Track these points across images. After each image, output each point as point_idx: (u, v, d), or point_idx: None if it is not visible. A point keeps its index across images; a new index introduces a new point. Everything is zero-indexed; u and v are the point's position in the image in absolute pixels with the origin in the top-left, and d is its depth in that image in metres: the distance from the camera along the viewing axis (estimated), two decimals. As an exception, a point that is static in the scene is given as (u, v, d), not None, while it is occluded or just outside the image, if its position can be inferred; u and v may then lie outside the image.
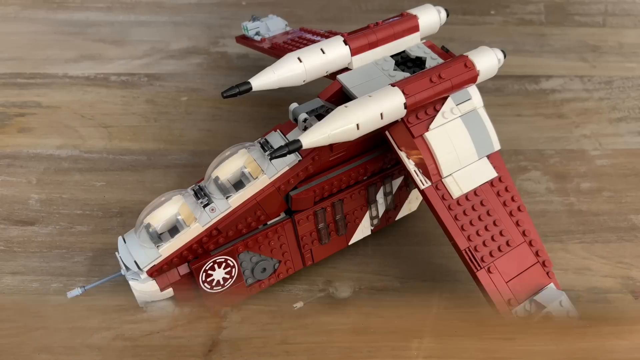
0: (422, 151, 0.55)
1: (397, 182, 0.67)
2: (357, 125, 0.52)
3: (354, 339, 0.73)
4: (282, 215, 0.63)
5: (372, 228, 0.71)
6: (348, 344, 0.73)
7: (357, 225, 0.68)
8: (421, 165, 0.55)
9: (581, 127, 0.88)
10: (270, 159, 0.52)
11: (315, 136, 0.51)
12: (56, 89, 0.92)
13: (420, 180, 0.56)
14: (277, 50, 0.75)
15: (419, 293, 0.80)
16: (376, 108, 0.52)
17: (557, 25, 1.05)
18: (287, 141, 0.57)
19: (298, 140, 0.51)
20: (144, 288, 0.58)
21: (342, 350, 0.72)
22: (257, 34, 0.81)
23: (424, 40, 0.64)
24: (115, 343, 0.73)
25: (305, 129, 0.56)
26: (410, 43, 0.62)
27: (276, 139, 0.58)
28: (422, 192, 0.57)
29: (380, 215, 0.70)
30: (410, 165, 0.57)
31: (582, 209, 0.81)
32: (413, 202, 0.72)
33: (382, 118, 0.53)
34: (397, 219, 0.73)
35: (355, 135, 0.53)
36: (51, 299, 0.75)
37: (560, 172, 0.85)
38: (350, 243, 0.71)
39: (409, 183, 0.69)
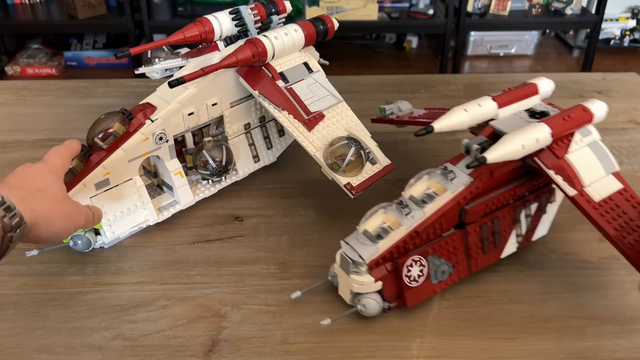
0: (567, 168, 0.74)
1: (534, 207, 0.82)
2: (523, 145, 0.71)
3: (354, 339, 0.73)
4: (452, 230, 0.77)
5: (517, 245, 0.83)
6: (348, 344, 0.73)
7: (507, 240, 0.81)
8: (567, 179, 0.74)
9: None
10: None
11: (495, 153, 0.70)
12: (80, 147, 1.13)
13: (568, 189, 0.74)
14: (413, 121, 0.99)
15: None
16: (533, 135, 0.72)
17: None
18: (452, 172, 0.75)
19: (484, 157, 0.70)
20: (362, 279, 0.71)
21: (342, 350, 0.72)
22: (392, 113, 1.03)
23: (543, 101, 0.85)
24: (115, 343, 0.73)
25: (475, 155, 0.75)
26: (534, 102, 0.83)
27: (450, 167, 0.76)
28: (571, 198, 0.74)
29: (523, 234, 0.83)
30: (558, 179, 0.74)
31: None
32: (545, 225, 0.86)
33: (537, 142, 0.72)
34: (533, 239, 0.85)
35: (520, 154, 0.72)
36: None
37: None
38: (501, 256, 0.82)
39: (543, 207, 0.83)
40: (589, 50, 3.01)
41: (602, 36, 3.19)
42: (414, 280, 0.73)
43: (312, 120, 0.88)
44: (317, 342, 0.73)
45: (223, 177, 0.96)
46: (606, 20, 3.14)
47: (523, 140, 0.71)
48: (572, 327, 0.75)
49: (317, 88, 0.92)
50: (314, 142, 0.86)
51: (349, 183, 0.84)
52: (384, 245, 0.71)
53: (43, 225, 0.63)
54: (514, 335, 0.74)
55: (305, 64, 0.93)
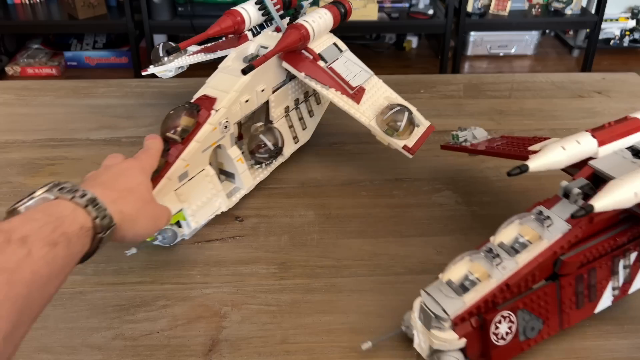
0: None
1: (633, 257, 0.73)
2: (636, 193, 0.62)
3: (354, 339, 0.73)
4: (543, 281, 0.69)
5: (613, 298, 0.74)
6: (348, 344, 0.73)
7: (603, 293, 0.73)
8: None
9: (486, 162, 1.06)
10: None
11: (604, 202, 0.62)
12: (80, 147, 1.12)
13: None
14: (489, 151, 0.91)
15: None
16: None
17: (473, 98, 1.33)
18: (544, 216, 0.68)
19: (591, 205, 0.62)
20: (445, 336, 0.64)
21: (342, 350, 0.72)
22: (465, 140, 0.99)
23: None
24: (115, 343, 0.73)
25: (576, 200, 0.67)
26: (637, 139, 0.75)
27: (545, 211, 0.68)
28: None
29: (619, 286, 0.74)
30: None
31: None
32: None
33: None
34: (630, 292, 0.76)
35: (632, 203, 0.63)
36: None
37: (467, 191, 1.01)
38: (595, 311, 0.73)
39: None
40: (589, 50, 3.02)
41: (602, 36, 3.20)
42: (502, 338, 0.66)
43: (356, 94, 0.94)
44: (317, 342, 0.73)
45: (274, 160, 1.00)
46: (606, 20, 3.15)
47: (636, 188, 0.63)
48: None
49: (351, 65, 0.98)
50: (365, 113, 0.93)
51: (405, 145, 0.92)
52: (471, 299, 0.64)
53: (129, 227, 0.63)
54: (514, 335, 0.74)
55: (335, 44, 0.99)
